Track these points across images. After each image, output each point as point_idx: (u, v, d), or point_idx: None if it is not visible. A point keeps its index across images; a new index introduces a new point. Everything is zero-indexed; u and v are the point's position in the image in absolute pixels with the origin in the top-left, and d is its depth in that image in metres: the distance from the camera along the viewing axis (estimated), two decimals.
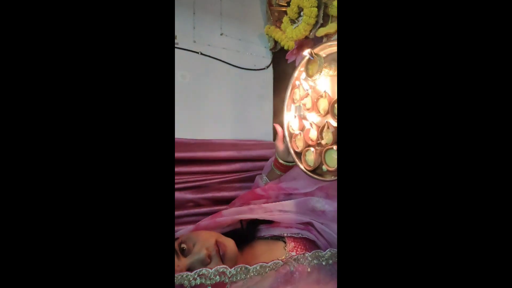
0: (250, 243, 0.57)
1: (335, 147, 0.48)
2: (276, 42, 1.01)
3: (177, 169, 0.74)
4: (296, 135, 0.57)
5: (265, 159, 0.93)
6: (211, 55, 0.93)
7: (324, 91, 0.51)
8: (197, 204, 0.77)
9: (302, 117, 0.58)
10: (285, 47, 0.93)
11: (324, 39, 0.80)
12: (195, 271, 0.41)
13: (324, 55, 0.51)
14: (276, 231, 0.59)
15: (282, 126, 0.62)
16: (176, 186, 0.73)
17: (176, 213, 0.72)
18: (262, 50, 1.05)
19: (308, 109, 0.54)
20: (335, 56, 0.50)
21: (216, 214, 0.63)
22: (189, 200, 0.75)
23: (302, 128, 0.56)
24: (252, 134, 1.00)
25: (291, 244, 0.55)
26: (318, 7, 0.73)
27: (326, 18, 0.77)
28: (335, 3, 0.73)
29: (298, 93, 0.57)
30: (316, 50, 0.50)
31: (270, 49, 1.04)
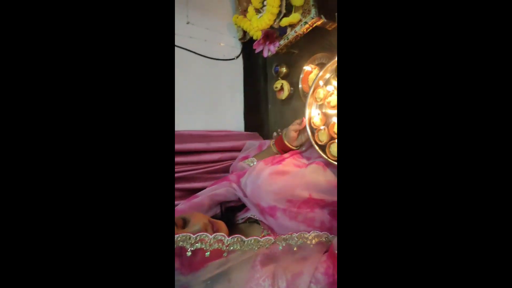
0: (230, 229, 0.60)
1: None
2: (245, 32, 1.01)
3: None
4: (320, 129, 0.64)
5: (237, 150, 0.94)
6: (177, 45, 0.91)
7: None
8: None
9: (324, 113, 0.67)
10: (254, 37, 0.93)
11: (289, 29, 0.81)
12: (196, 234, 0.44)
13: None
14: (249, 213, 0.63)
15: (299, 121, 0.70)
16: None
17: None
18: (231, 40, 1.04)
19: (332, 107, 0.64)
20: None
21: (192, 196, 0.66)
22: None
23: (325, 123, 0.64)
24: (223, 125, 1.00)
25: (265, 225, 0.60)
26: None
27: (290, 8, 0.78)
28: None
29: (321, 93, 0.66)
30: None
31: (239, 39, 1.04)
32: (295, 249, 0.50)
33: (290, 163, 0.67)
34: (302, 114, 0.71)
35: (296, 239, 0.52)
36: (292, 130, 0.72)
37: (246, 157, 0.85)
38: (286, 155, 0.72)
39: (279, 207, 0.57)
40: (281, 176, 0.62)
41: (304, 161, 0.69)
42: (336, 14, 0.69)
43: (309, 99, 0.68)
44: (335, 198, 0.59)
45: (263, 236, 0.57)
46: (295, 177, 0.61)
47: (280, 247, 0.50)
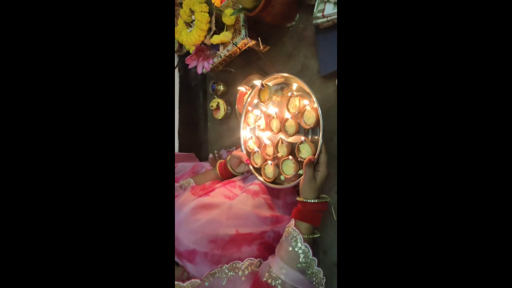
0: None
1: (290, 157, 0.56)
2: (181, 45, 0.93)
3: None
4: (255, 152, 0.64)
5: None
6: None
7: (275, 113, 0.60)
8: None
9: (257, 137, 0.67)
10: (190, 51, 0.86)
11: (221, 48, 0.76)
12: None
13: (271, 85, 0.62)
14: None
15: (239, 146, 0.69)
16: None
17: None
18: None
19: (262, 129, 0.64)
20: (282, 86, 0.62)
21: None
22: None
23: (259, 146, 0.64)
24: None
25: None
26: (210, 13, 0.69)
27: (222, 26, 0.74)
28: (227, 11, 0.70)
29: (252, 117, 0.67)
30: (265, 81, 0.61)
31: (175, 52, 0.96)
32: (223, 283, 0.44)
33: (219, 193, 0.61)
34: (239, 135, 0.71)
35: (227, 271, 0.45)
36: (234, 157, 0.67)
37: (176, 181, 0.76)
38: (218, 185, 0.65)
39: (199, 251, 0.49)
40: (206, 210, 0.54)
41: (237, 190, 0.65)
42: (259, 38, 0.67)
43: (242, 124, 0.68)
44: (263, 228, 0.55)
45: (185, 279, 0.49)
46: (222, 211, 0.55)
47: (207, 283, 0.43)
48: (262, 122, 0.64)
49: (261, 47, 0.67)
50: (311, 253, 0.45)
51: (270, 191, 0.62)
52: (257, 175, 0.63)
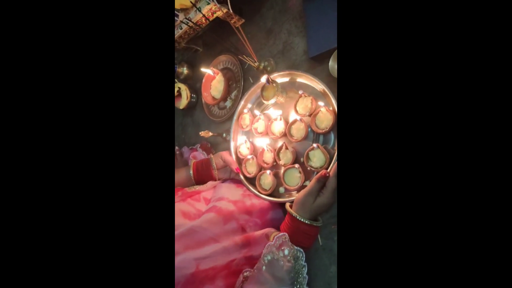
0: None
1: (297, 165, 0.48)
2: None
3: None
4: (248, 159, 0.55)
5: None
6: None
7: (279, 115, 0.52)
8: None
9: (252, 142, 0.57)
10: None
11: (181, 15, 0.59)
12: None
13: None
14: None
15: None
16: None
17: None
18: None
19: (260, 133, 0.55)
20: (285, 85, 0.53)
21: None
22: None
23: (253, 152, 0.56)
24: None
25: None
26: None
27: None
28: None
29: (247, 119, 0.57)
30: (273, 77, 0.53)
31: None
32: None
33: (177, 210, 0.48)
34: (207, 130, 0.60)
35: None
36: (218, 157, 0.57)
37: None
38: (176, 197, 0.52)
39: None
40: None
41: (200, 205, 0.52)
42: (229, 2, 0.52)
43: (234, 126, 0.58)
44: (231, 257, 0.43)
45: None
46: (179, 237, 0.42)
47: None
48: (260, 125, 0.54)
49: (235, 18, 0.51)
50: (303, 257, 0.40)
51: (248, 210, 0.49)
52: (249, 185, 0.53)
